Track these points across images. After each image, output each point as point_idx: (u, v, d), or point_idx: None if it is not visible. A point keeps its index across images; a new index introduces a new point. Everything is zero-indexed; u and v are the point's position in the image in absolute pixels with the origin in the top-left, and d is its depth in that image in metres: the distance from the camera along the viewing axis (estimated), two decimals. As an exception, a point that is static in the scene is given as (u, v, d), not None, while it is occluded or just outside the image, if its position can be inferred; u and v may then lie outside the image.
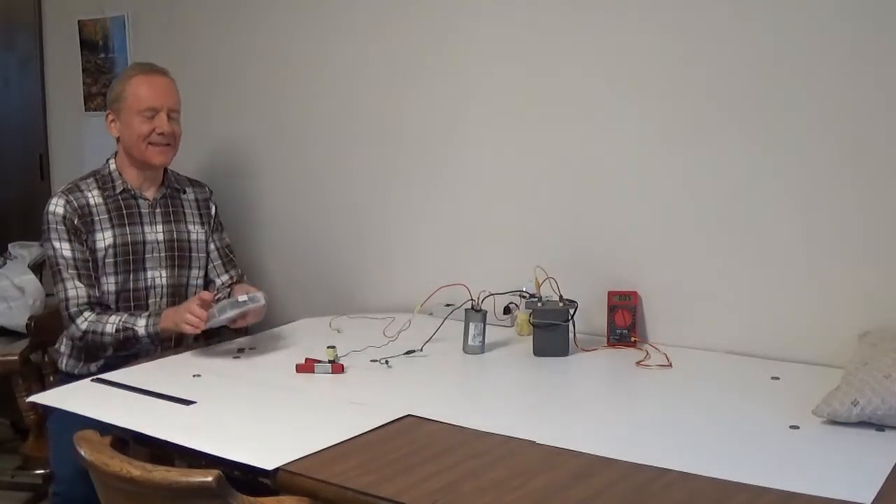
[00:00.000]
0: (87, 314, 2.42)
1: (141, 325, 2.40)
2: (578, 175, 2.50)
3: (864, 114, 2.08)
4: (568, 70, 2.48)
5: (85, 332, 2.41)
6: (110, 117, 2.56)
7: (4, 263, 3.51)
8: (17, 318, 3.21)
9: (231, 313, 2.30)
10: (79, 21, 3.61)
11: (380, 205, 2.90)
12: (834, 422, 1.73)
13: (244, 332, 2.54)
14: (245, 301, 2.31)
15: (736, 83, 2.23)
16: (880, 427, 1.70)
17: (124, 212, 2.54)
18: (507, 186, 2.63)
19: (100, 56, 3.55)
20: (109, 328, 2.40)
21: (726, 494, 1.46)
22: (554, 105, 2.52)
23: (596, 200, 2.48)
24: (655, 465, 1.57)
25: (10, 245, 3.60)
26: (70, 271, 2.44)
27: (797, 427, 1.74)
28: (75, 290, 2.43)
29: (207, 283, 2.65)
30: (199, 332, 2.36)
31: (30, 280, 3.33)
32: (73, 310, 2.43)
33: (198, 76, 3.29)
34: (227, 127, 3.24)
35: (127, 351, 2.43)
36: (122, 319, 2.42)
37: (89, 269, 2.46)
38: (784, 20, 2.15)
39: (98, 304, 2.46)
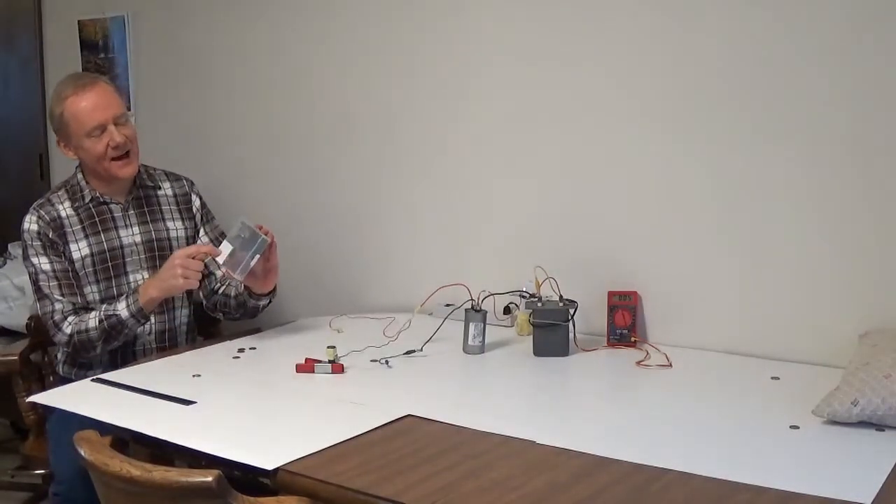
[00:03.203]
0: (70, 318, 2.39)
1: (122, 307, 2.37)
2: (578, 175, 2.50)
3: (865, 114, 2.08)
4: (568, 70, 2.48)
5: (71, 336, 2.38)
6: (62, 144, 2.48)
7: (4, 263, 3.51)
8: (17, 318, 3.21)
9: (252, 253, 2.30)
10: (79, 21, 3.61)
11: (380, 205, 2.90)
12: (834, 422, 1.73)
13: (248, 332, 2.54)
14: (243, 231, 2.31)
15: (736, 84, 2.23)
16: (880, 427, 1.70)
17: (97, 219, 2.50)
18: (507, 186, 2.63)
19: (100, 56, 3.55)
20: (93, 322, 2.37)
21: (726, 494, 1.46)
22: (554, 105, 2.52)
23: (596, 200, 2.48)
24: (655, 465, 1.57)
25: (10, 245, 3.60)
26: (52, 283, 2.41)
27: (797, 427, 1.74)
28: (59, 302, 2.40)
29: (205, 277, 2.56)
30: (195, 285, 2.38)
31: (30, 280, 3.33)
32: (56, 318, 2.40)
33: (198, 76, 3.29)
34: (227, 127, 3.24)
35: (117, 341, 2.40)
36: (103, 310, 2.39)
37: (70, 279, 2.44)
38: (785, 20, 2.15)
39: (83, 309, 2.43)
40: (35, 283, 2.44)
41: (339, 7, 2.90)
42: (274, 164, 3.13)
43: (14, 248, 3.57)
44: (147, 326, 2.48)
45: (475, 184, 2.69)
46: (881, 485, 1.47)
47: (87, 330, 2.38)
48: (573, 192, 2.51)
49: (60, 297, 2.41)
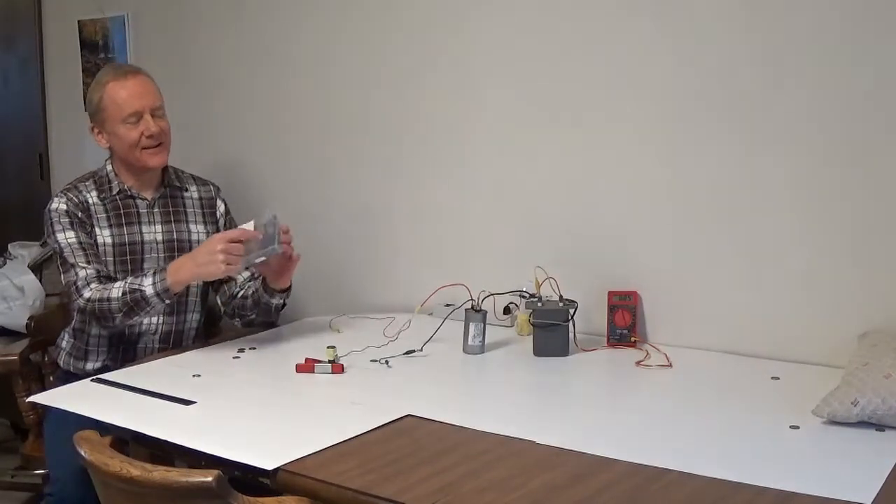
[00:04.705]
0: (93, 285, 2.37)
1: (147, 283, 2.32)
2: (579, 175, 2.50)
3: (864, 114, 2.08)
4: (568, 72, 2.48)
5: (89, 300, 2.35)
6: (96, 130, 2.49)
7: (4, 263, 3.51)
8: (17, 318, 3.21)
9: (262, 252, 2.27)
10: (79, 21, 3.61)
11: (380, 205, 2.90)
12: (834, 422, 1.73)
13: (248, 332, 2.55)
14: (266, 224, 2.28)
15: (735, 83, 2.23)
16: (880, 427, 1.70)
17: (122, 211, 2.50)
18: (507, 186, 2.63)
19: (100, 56, 3.55)
20: (115, 293, 2.34)
21: (726, 494, 1.46)
22: (554, 106, 2.52)
23: (596, 201, 2.48)
24: (655, 465, 1.57)
25: (10, 245, 3.60)
26: (77, 253, 2.40)
27: (797, 427, 1.74)
28: (84, 269, 2.38)
29: (224, 282, 2.54)
30: (235, 272, 2.35)
31: (30, 280, 3.33)
32: (79, 283, 2.38)
33: (198, 76, 3.30)
34: (227, 127, 3.24)
35: (138, 315, 2.36)
36: (128, 282, 2.35)
37: (96, 250, 2.44)
38: (781, 19, 2.15)
39: (106, 278, 2.41)
40: (60, 255, 2.42)
41: (346, 6, 2.89)
42: (274, 165, 3.13)
43: (14, 248, 3.57)
44: (154, 327, 2.48)
45: (475, 184, 2.69)
46: (881, 485, 1.47)
47: (108, 299, 2.34)
48: (573, 193, 2.51)
49: (85, 265, 2.39)
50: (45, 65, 3.85)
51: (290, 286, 2.47)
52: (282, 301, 2.49)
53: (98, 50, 3.56)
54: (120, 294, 2.34)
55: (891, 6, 2.02)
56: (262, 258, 2.29)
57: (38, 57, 3.85)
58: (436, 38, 2.72)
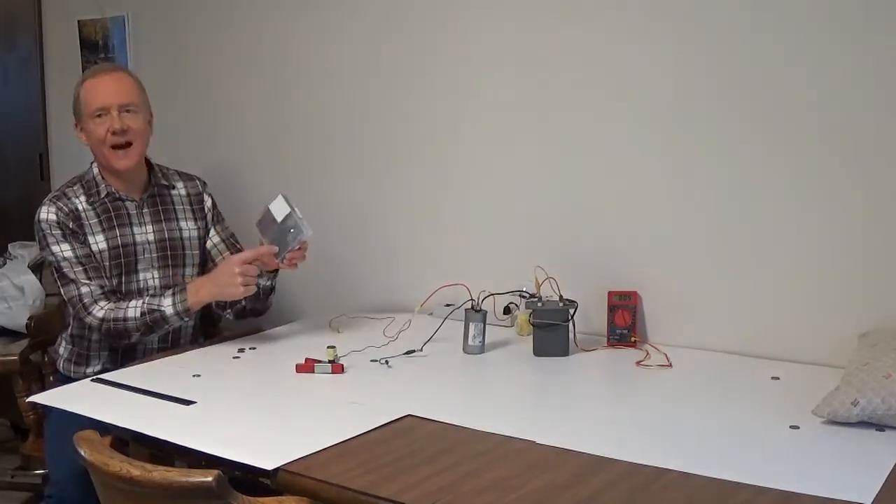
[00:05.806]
0: (102, 303, 2.38)
1: (167, 304, 2.36)
2: (578, 175, 2.50)
3: (864, 114, 2.08)
4: (568, 72, 2.48)
5: (103, 320, 2.36)
6: (78, 127, 2.51)
7: (4, 263, 3.51)
8: (17, 318, 3.21)
9: (292, 239, 2.32)
10: (79, 21, 3.61)
11: (380, 204, 2.90)
12: (834, 422, 1.73)
13: (248, 332, 2.55)
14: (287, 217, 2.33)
15: (735, 84, 2.23)
16: (880, 427, 1.70)
17: (112, 214, 2.49)
18: (507, 186, 2.63)
19: (100, 56, 3.55)
20: (132, 312, 2.36)
21: (726, 494, 1.46)
22: (554, 106, 2.52)
23: (596, 201, 2.48)
24: (655, 465, 1.57)
25: (10, 245, 3.60)
26: (77, 268, 2.40)
27: (797, 427, 1.74)
28: (87, 285, 2.39)
29: None
30: (252, 292, 2.37)
31: (30, 280, 3.33)
32: (86, 300, 2.38)
33: (197, 76, 3.30)
34: (227, 126, 3.24)
35: (155, 334, 2.40)
36: (146, 302, 2.37)
37: (95, 262, 2.43)
38: (782, 21, 2.15)
39: (112, 293, 2.42)
40: (58, 269, 2.42)
41: (343, 7, 2.89)
42: (274, 163, 3.13)
43: (14, 248, 3.57)
44: None
45: (476, 183, 2.69)
46: (881, 485, 1.47)
47: (124, 319, 2.36)
48: (573, 193, 2.51)
49: (87, 281, 2.39)
50: (45, 65, 3.85)
51: (278, 269, 2.48)
52: (269, 283, 2.50)
53: (98, 50, 3.56)
54: (138, 314, 2.36)
55: (894, 3, 2.02)
56: (294, 246, 2.35)
57: (38, 57, 3.85)
58: (434, 39, 2.72)
